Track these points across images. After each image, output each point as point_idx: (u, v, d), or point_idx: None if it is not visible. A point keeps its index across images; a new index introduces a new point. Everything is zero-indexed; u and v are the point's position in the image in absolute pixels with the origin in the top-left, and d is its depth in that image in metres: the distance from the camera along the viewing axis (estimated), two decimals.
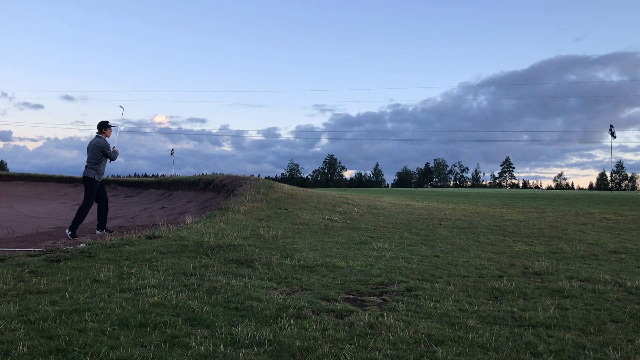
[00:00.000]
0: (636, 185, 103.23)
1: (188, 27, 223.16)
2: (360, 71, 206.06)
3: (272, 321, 3.11)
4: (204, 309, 3.32)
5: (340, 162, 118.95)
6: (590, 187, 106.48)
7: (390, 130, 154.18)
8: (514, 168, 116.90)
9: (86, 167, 8.19)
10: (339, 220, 9.19)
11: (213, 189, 15.36)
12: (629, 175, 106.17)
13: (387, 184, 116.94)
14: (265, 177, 39.10)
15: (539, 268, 5.11)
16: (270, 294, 3.76)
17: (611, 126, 46.33)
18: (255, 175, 25.52)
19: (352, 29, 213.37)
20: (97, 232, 8.35)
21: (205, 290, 3.82)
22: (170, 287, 3.90)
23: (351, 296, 3.85)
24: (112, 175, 36.70)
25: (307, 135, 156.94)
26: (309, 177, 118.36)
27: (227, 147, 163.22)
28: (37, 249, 5.81)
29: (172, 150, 48.08)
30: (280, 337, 2.79)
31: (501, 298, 3.87)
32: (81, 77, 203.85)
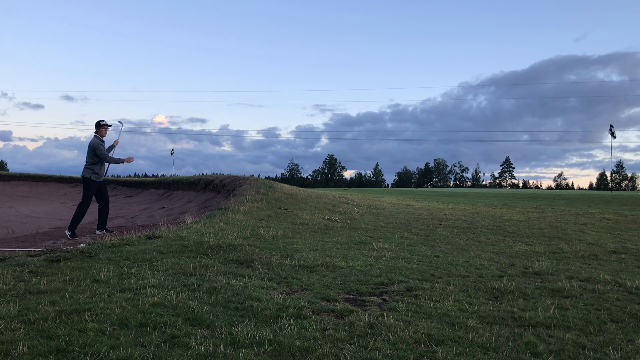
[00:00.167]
0: (636, 185, 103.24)
1: (188, 27, 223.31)
2: (360, 71, 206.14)
3: (272, 321, 3.11)
4: (204, 309, 3.32)
5: (340, 162, 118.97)
6: (590, 187, 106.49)
7: (390, 130, 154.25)
8: (514, 168, 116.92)
9: (84, 166, 8.21)
10: (339, 220, 9.19)
11: (213, 189, 15.37)
12: (629, 175, 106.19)
13: (387, 184, 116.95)
14: (265, 177, 39.11)
15: (539, 268, 5.11)
16: (270, 294, 3.76)
17: (611, 126, 46.33)
18: (255, 175, 25.53)
19: (352, 29, 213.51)
20: (97, 232, 8.35)
21: (205, 290, 3.82)
22: (170, 287, 3.90)
23: (351, 296, 3.85)
24: (112, 175, 36.73)
25: (307, 135, 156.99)
26: (309, 177, 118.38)
27: (227, 147, 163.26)
28: (37, 249, 5.82)
29: (172, 150, 47.98)
30: (280, 337, 2.79)
31: (501, 298, 3.87)
32: (81, 77, 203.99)
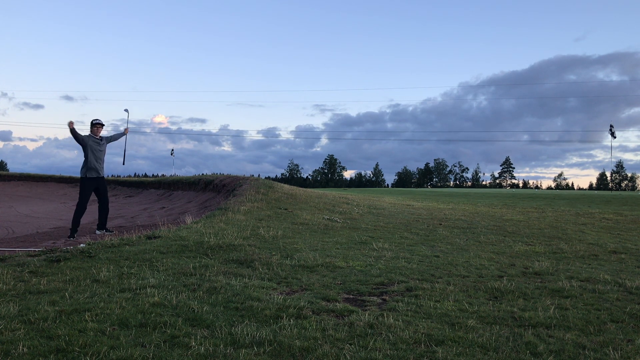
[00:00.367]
0: (636, 185, 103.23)
1: (188, 27, 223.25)
2: (360, 71, 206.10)
3: (272, 321, 3.11)
4: (204, 309, 3.32)
5: (340, 162, 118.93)
6: (590, 187, 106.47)
7: (390, 130, 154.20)
8: (514, 168, 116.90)
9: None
10: (339, 220, 9.19)
11: (213, 189, 15.37)
12: (629, 175, 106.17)
13: (387, 184, 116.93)
14: (265, 177, 39.12)
15: (539, 268, 5.11)
16: (270, 294, 3.76)
17: (611, 126, 46.28)
18: (255, 175, 25.53)
19: (352, 29, 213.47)
20: (97, 232, 8.35)
21: (205, 290, 3.82)
22: (170, 287, 3.90)
23: (351, 296, 3.85)
24: (112, 175, 36.71)
25: (307, 135, 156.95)
26: (309, 177, 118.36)
27: (227, 147, 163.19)
28: (37, 249, 5.82)
29: (172, 150, 47.99)
30: (280, 337, 2.79)
31: (501, 298, 3.87)
32: (81, 77, 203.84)
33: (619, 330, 3.11)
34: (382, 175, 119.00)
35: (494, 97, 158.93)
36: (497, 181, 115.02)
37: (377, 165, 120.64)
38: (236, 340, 2.75)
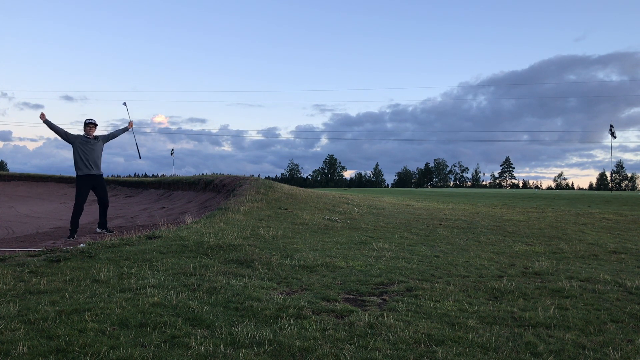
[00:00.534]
0: (636, 185, 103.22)
1: (188, 27, 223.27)
2: (360, 71, 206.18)
3: (272, 321, 3.11)
4: (204, 309, 3.32)
5: (340, 162, 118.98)
6: (590, 187, 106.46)
7: (390, 130, 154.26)
8: (514, 168, 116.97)
9: None
10: (339, 220, 9.19)
11: (213, 189, 15.37)
12: (629, 175, 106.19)
13: (387, 184, 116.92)
14: (265, 177, 39.10)
15: (539, 268, 5.11)
16: (270, 294, 3.76)
17: (611, 126, 46.28)
18: (255, 175, 25.52)
19: (352, 29, 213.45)
20: (98, 230, 8.35)
21: (205, 290, 3.82)
22: (170, 287, 3.90)
23: (351, 296, 3.85)
24: (112, 175, 36.71)
25: (307, 135, 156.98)
26: (309, 177, 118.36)
27: (227, 147, 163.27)
28: (37, 249, 5.81)
29: (172, 150, 48.04)
30: (280, 337, 2.79)
31: (501, 298, 3.87)
32: (81, 77, 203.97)
33: (619, 330, 3.11)
34: (382, 175, 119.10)
35: (494, 97, 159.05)
36: (497, 181, 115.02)
37: (377, 165, 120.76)
38: (236, 340, 2.75)
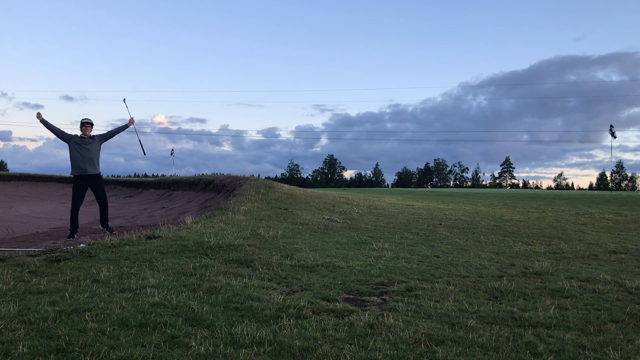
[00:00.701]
0: (636, 185, 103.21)
1: (188, 27, 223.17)
2: (360, 71, 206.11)
3: (272, 321, 3.11)
4: (204, 309, 3.32)
5: (340, 162, 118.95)
6: (590, 187, 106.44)
7: (390, 130, 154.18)
8: (514, 168, 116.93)
9: None
10: (339, 220, 9.19)
11: (213, 189, 15.36)
12: (629, 175, 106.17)
13: (387, 184, 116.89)
14: (265, 177, 39.10)
15: (539, 268, 5.11)
16: (270, 294, 3.76)
17: (611, 126, 46.29)
18: (255, 175, 25.51)
19: (352, 29, 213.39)
20: (101, 227, 8.35)
21: (205, 290, 3.82)
22: (170, 287, 3.90)
23: (351, 296, 3.85)
24: (112, 175, 36.72)
25: (307, 135, 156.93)
26: (309, 177, 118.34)
27: (227, 147, 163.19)
28: (37, 249, 5.81)
29: (172, 150, 48.11)
30: (280, 337, 2.79)
31: (501, 298, 3.87)
32: (81, 77, 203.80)
33: (619, 330, 3.11)
34: (382, 175, 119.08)
35: (494, 97, 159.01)
36: (497, 181, 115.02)
37: (377, 165, 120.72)
38: (236, 340, 2.75)
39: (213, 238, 6.14)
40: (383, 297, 3.84)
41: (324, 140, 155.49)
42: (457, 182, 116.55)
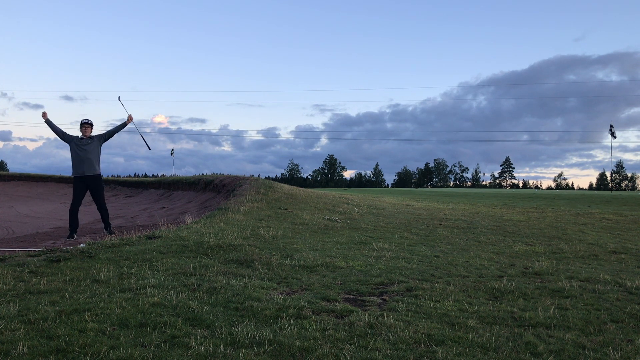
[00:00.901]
0: (636, 185, 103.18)
1: (188, 27, 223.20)
2: (360, 71, 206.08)
3: (272, 321, 3.11)
4: (204, 309, 3.32)
5: (340, 162, 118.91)
6: (590, 187, 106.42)
7: (390, 130, 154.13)
8: (514, 168, 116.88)
9: None
10: (339, 220, 9.19)
11: (213, 189, 15.37)
12: (629, 175, 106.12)
13: (387, 184, 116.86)
14: (265, 177, 39.07)
15: (539, 268, 5.11)
16: (270, 294, 3.76)
17: (611, 126, 46.22)
18: (255, 175, 25.51)
19: (352, 29, 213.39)
20: (105, 231, 8.33)
21: (205, 290, 3.82)
22: (170, 287, 3.90)
23: (351, 296, 3.85)
24: (112, 175, 36.71)
25: (306, 135, 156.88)
26: (309, 177, 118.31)
27: (227, 147, 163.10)
28: (37, 249, 5.81)
29: (172, 150, 47.97)
30: (280, 337, 2.79)
31: (501, 298, 3.87)
32: (81, 77, 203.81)
33: (619, 330, 3.11)
34: (382, 175, 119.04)
35: (494, 97, 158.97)
36: (497, 181, 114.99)
37: (377, 165, 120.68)
38: (236, 340, 2.75)
39: (213, 238, 6.14)
40: (383, 297, 3.84)
41: (324, 140, 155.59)
42: (457, 182, 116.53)
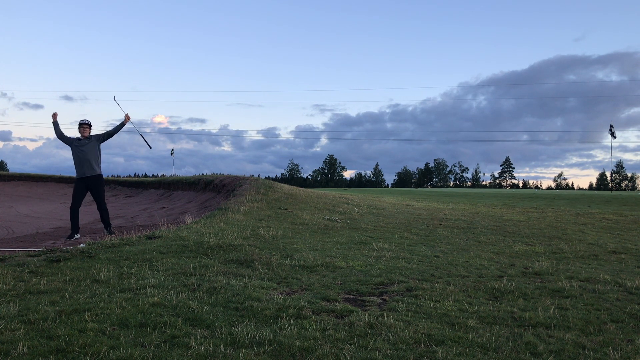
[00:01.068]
0: (636, 185, 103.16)
1: (188, 27, 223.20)
2: (360, 71, 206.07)
3: (272, 321, 3.11)
4: (204, 309, 3.32)
5: (340, 162, 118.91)
6: (590, 187, 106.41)
7: (390, 130, 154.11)
8: (513, 168, 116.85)
9: None
10: (339, 220, 9.19)
11: (213, 189, 15.36)
12: (629, 175, 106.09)
13: (387, 184, 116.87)
14: (265, 177, 39.07)
15: (539, 268, 5.11)
16: (270, 294, 3.76)
17: (611, 126, 46.23)
18: (255, 175, 25.51)
19: (352, 29, 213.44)
20: (105, 230, 8.34)
21: (205, 290, 3.82)
22: (170, 287, 3.90)
23: (351, 296, 3.85)
24: (112, 175, 36.69)
25: (306, 135, 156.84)
26: (309, 177, 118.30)
27: (226, 147, 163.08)
28: (37, 249, 5.81)
29: (172, 150, 48.01)
30: (280, 337, 2.79)
31: (501, 298, 3.87)
32: (81, 77, 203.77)
33: (619, 330, 3.11)
34: (382, 175, 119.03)
35: (494, 97, 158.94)
36: (497, 181, 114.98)
37: (377, 165, 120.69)
38: (236, 340, 2.75)
39: (213, 238, 6.14)
40: (383, 297, 3.84)
41: (323, 140, 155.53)
42: (457, 182, 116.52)
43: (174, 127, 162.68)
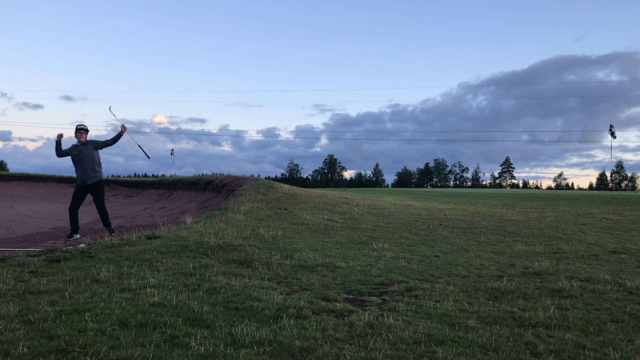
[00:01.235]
0: (636, 185, 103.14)
1: (188, 27, 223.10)
2: (360, 71, 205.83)
3: (272, 321, 3.11)
4: (204, 309, 3.32)
5: (340, 162, 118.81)
6: (590, 187, 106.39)
7: (390, 130, 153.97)
8: (513, 168, 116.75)
9: None
10: (339, 220, 9.19)
11: (213, 189, 15.37)
12: (629, 175, 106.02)
13: (387, 184, 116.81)
14: (265, 177, 39.06)
15: (539, 268, 5.11)
16: (270, 294, 3.76)
17: (611, 126, 46.20)
18: (255, 175, 25.51)
19: (352, 29, 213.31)
20: (106, 230, 8.34)
21: (205, 290, 3.82)
22: (170, 287, 3.90)
23: (351, 296, 3.85)
24: (112, 175, 36.70)
25: (306, 135, 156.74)
26: (309, 177, 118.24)
27: (226, 147, 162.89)
28: (37, 249, 5.82)
29: (172, 150, 47.97)
30: (280, 337, 2.79)
31: (501, 298, 3.87)
32: (81, 77, 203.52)
33: (619, 330, 3.11)
34: (382, 175, 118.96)
35: (494, 97, 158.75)
36: (497, 181, 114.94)
37: (377, 165, 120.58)
38: (236, 340, 2.75)
39: (213, 238, 6.14)
40: (383, 297, 3.84)
41: (323, 140, 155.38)
42: (457, 182, 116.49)
43: (174, 127, 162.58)
